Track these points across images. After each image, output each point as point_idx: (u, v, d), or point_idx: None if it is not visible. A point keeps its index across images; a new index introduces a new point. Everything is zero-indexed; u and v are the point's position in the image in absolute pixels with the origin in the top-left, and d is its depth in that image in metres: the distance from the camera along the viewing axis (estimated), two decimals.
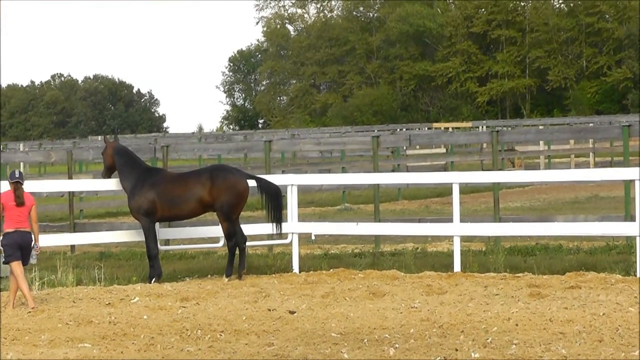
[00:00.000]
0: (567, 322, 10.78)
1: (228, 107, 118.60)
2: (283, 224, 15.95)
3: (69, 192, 21.31)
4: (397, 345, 9.87)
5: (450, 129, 62.06)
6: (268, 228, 15.97)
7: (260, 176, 15.99)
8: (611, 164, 38.67)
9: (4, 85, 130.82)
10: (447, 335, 10.30)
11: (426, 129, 65.96)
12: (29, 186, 15.03)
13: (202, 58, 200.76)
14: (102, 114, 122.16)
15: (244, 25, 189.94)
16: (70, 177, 21.46)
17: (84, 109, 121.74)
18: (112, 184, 16.25)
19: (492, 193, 19.61)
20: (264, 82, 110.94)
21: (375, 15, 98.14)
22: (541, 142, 40.11)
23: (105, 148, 16.01)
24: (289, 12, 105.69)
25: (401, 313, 11.62)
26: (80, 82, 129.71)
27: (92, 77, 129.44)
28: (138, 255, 18.68)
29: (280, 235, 16.17)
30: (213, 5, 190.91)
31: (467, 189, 30.08)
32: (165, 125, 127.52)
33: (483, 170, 32.88)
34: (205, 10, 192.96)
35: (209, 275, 16.03)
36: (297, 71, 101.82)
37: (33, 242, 13.02)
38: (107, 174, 16.10)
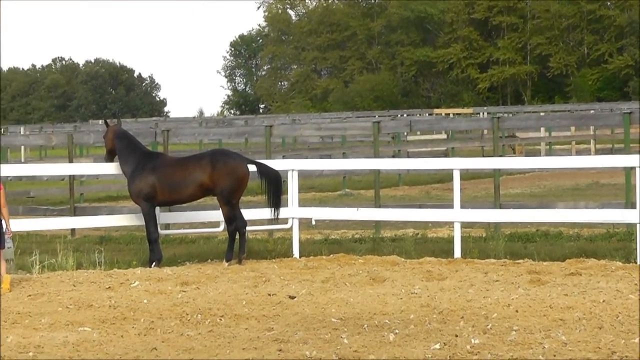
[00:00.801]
0: (567, 308, 10.74)
1: (229, 92, 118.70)
2: (283, 209, 15.92)
3: (70, 176, 21.30)
4: (397, 331, 9.84)
5: (451, 115, 61.99)
6: (268, 213, 15.92)
7: (260, 161, 15.97)
8: (612, 151, 38.72)
9: (4, 68, 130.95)
10: (447, 321, 10.27)
11: (427, 115, 65.94)
12: (29, 169, 15.09)
13: (203, 42, 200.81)
14: (102, 97, 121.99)
15: (245, 10, 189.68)
16: (70, 161, 21.44)
17: (85, 93, 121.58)
18: (112, 168, 16.18)
19: (493, 179, 19.59)
20: (265, 67, 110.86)
21: (377, 0, 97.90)
22: (542, 129, 40.17)
23: (107, 132, 15.98)
24: None
25: (401, 299, 11.58)
26: (81, 65, 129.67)
27: (93, 60, 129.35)
28: (138, 239, 18.62)
29: (280, 220, 16.12)
30: None
31: (468, 175, 29.92)
32: (166, 109, 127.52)
33: (484, 156, 32.81)
34: None
35: (209, 260, 15.99)
36: (298, 56, 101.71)
37: (5, 227, 13.10)
38: (110, 157, 15.98)
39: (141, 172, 15.24)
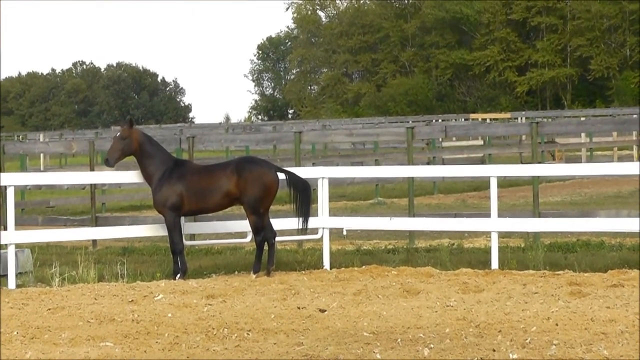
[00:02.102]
0: (609, 321, 10.56)
1: (256, 97, 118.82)
2: (313, 219, 15.74)
3: (91, 185, 21.17)
4: (431, 346, 9.69)
5: (488, 120, 61.53)
6: (298, 222, 15.70)
7: (290, 169, 15.68)
8: None
9: (24, 72, 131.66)
10: (484, 335, 10.12)
11: (463, 120, 65.54)
12: (49, 178, 15.03)
13: (230, 45, 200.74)
14: (125, 103, 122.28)
15: (273, 12, 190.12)
16: (92, 169, 21.32)
17: (107, 98, 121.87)
18: (135, 176, 15.90)
19: (532, 187, 19.31)
20: (294, 71, 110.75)
21: (410, 1, 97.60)
22: (583, 134, 39.74)
23: (127, 133, 15.20)
24: None
25: (436, 312, 11.43)
26: (102, 69, 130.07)
27: (115, 64, 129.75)
28: (162, 251, 18.57)
29: (310, 230, 15.94)
30: None
31: (506, 183, 29.89)
32: (191, 115, 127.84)
33: (522, 163, 32.51)
34: None
35: (236, 272, 15.86)
36: (328, 59, 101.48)
37: None
38: (118, 160, 15.31)
39: (168, 181, 14.95)
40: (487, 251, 15.83)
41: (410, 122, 57.09)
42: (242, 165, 15.07)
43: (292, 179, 15.36)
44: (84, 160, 38.64)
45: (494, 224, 15.32)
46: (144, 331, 10.69)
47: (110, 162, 15.19)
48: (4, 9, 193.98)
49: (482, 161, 35.23)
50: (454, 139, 44.25)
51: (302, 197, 15.30)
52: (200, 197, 14.94)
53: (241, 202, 15.07)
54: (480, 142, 41.54)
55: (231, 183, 14.88)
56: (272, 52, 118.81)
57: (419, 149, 35.88)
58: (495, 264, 15.10)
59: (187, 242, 16.16)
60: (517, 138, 42.66)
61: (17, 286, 14.55)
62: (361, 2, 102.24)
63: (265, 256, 15.14)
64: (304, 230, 15.59)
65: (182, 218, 15.43)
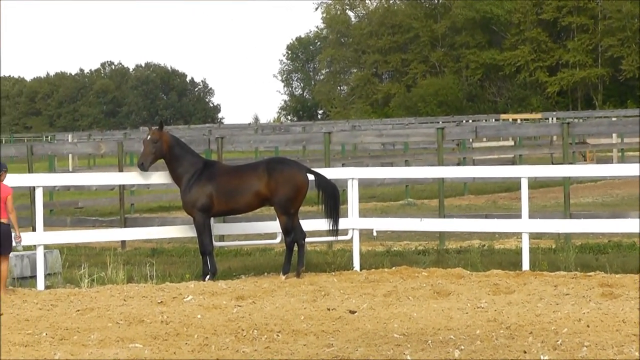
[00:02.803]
0: None
1: (286, 97, 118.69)
2: (343, 220, 15.68)
3: (120, 186, 21.15)
4: (462, 347, 9.64)
5: (518, 121, 61.19)
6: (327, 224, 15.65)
7: (319, 171, 15.60)
8: None
9: (52, 73, 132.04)
10: (515, 337, 10.05)
11: (493, 120, 65.19)
12: (77, 179, 15.13)
13: (259, 45, 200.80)
14: (154, 103, 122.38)
15: (302, 12, 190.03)
16: (120, 170, 21.34)
17: (135, 99, 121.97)
18: (164, 177, 15.88)
19: (563, 188, 19.18)
20: (323, 71, 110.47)
21: (440, 1, 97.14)
22: (614, 135, 39.45)
23: (157, 135, 15.19)
24: None
25: (467, 313, 11.38)
26: (131, 70, 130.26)
27: (143, 65, 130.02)
28: (191, 252, 18.55)
29: (340, 232, 15.82)
30: None
31: (536, 184, 29.66)
32: (219, 115, 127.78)
33: (553, 163, 32.28)
34: None
35: (266, 273, 15.85)
36: (358, 59, 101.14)
37: (14, 232, 13.70)
38: (150, 164, 15.27)
39: (197, 182, 14.92)
40: (518, 252, 15.78)
41: (441, 122, 56.88)
42: (273, 165, 15.06)
43: (322, 183, 15.28)
44: (112, 161, 38.72)
45: (525, 225, 15.24)
46: (173, 332, 10.66)
47: (144, 166, 15.23)
48: (33, 10, 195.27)
49: (512, 162, 35.05)
50: (484, 139, 44.02)
51: (331, 202, 15.22)
52: (230, 198, 14.92)
53: (271, 203, 15.04)
54: (511, 143, 41.29)
55: (262, 183, 14.85)
56: (301, 53, 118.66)
57: (449, 149, 35.79)
58: (526, 265, 15.02)
59: (216, 243, 16.12)
60: (548, 139, 42.40)
61: (46, 287, 14.60)
62: (391, 2, 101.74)
63: (294, 257, 15.10)
64: (334, 233, 15.53)
65: (212, 219, 15.41)
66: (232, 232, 17.16)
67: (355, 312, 11.65)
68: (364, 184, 23.39)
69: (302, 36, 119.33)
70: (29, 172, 21.32)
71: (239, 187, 14.89)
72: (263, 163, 15.29)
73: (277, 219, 15.19)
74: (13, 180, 16.04)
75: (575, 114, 70.50)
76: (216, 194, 14.92)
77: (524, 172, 15.53)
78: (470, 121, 63.67)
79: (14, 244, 13.77)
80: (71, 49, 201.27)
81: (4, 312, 11.97)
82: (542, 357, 9.13)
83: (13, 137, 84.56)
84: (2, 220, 13.63)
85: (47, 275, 15.00)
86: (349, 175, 16.26)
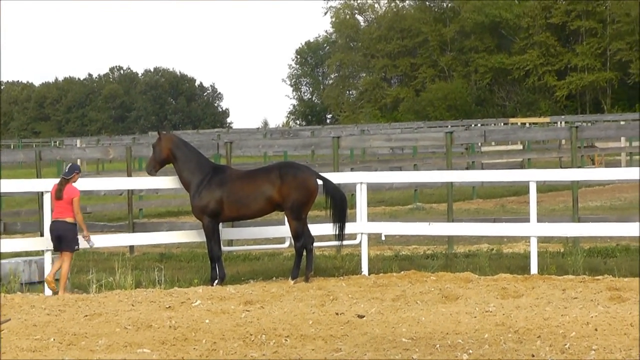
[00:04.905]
0: None
1: (295, 102, 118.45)
2: (352, 224, 15.72)
3: (128, 191, 21.14)
4: (470, 351, 9.63)
5: (527, 125, 61.09)
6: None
7: (328, 177, 15.57)
8: None
9: (60, 78, 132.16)
10: (523, 341, 10.04)
11: (502, 124, 65.09)
12: (85, 184, 15.23)
13: (268, 50, 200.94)
14: (162, 108, 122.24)
15: (311, 16, 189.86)
16: (129, 175, 21.33)
17: (144, 104, 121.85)
18: (173, 182, 15.91)
19: (571, 192, 19.16)
20: (332, 75, 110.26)
21: (449, 5, 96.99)
22: (622, 139, 39.33)
23: (160, 139, 15.30)
24: (358, 2, 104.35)
25: (475, 317, 11.35)
26: (140, 75, 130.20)
27: (152, 69, 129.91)
28: (200, 257, 18.52)
29: (349, 236, 15.88)
30: None
31: (545, 188, 29.65)
32: (228, 120, 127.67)
33: (561, 167, 32.23)
34: (271, 0, 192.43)
35: (274, 278, 15.86)
36: (367, 64, 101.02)
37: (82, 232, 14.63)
38: (158, 168, 15.42)
39: (207, 187, 14.90)
40: (527, 256, 15.76)
41: (449, 126, 56.81)
42: (286, 170, 15.01)
43: (330, 189, 15.25)
44: (121, 166, 38.73)
45: (533, 229, 15.23)
46: (182, 337, 10.64)
47: (149, 171, 15.49)
48: (41, 15, 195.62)
49: (521, 166, 35.00)
50: (493, 143, 43.98)
51: (338, 210, 15.19)
52: (242, 204, 14.88)
53: (282, 208, 15.01)
54: (520, 147, 41.26)
55: (274, 189, 14.82)
56: (310, 57, 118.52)
57: (458, 153, 35.68)
58: (534, 269, 15.02)
59: (225, 248, 16.12)
60: (556, 142, 42.32)
61: (54, 292, 14.60)
62: (400, 6, 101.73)
63: (303, 262, 15.09)
64: (340, 238, 15.51)
65: (220, 224, 15.41)
66: (240, 236, 17.17)
67: (364, 316, 11.62)
68: (372, 188, 23.42)
69: (311, 40, 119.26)
70: (38, 177, 21.34)
71: (251, 193, 14.85)
72: (275, 168, 15.20)
73: (288, 224, 15.16)
74: (21, 185, 16.10)
75: (583, 117, 70.35)
76: (227, 200, 14.88)
77: (533, 176, 15.53)
78: (479, 125, 63.52)
79: (86, 243, 14.66)
80: (80, 54, 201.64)
81: (12, 317, 11.98)
82: None
83: (21, 142, 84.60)
84: (67, 220, 14.42)
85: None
86: (357, 180, 16.26)
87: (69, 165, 14.81)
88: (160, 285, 14.98)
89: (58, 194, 14.43)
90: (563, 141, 39.56)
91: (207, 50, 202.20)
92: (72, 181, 14.55)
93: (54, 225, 14.48)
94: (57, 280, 14.45)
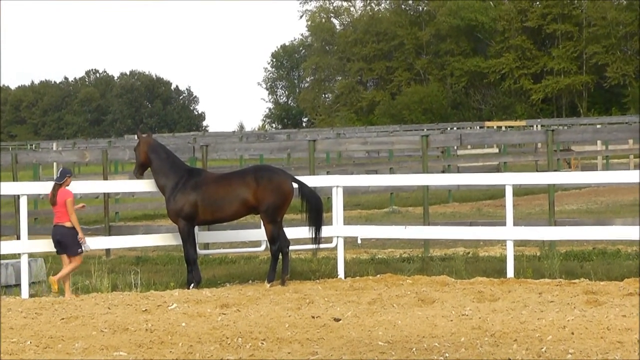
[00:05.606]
0: (625, 330, 10.47)
1: (270, 105, 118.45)
2: (328, 227, 15.70)
3: (104, 194, 21.14)
4: (447, 355, 9.63)
5: (503, 128, 61.30)
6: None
7: (304, 181, 15.56)
8: None
9: (37, 81, 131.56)
10: (500, 344, 10.03)
11: (478, 128, 65.23)
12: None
13: (243, 53, 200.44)
14: (138, 111, 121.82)
15: (287, 19, 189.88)
16: (105, 178, 21.31)
17: (120, 107, 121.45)
18: (149, 185, 15.88)
19: (547, 195, 19.19)
20: (308, 79, 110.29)
21: (425, 8, 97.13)
22: (599, 142, 39.49)
23: (139, 143, 15.43)
24: (334, 5, 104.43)
25: (451, 321, 11.34)
26: (116, 78, 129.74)
27: (128, 73, 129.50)
28: (176, 260, 18.50)
29: (325, 239, 15.86)
30: None
31: (521, 191, 29.66)
32: (204, 123, 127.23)
33: (538, 171, 32.31)
34: (247, 3, 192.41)
35: (250, 281, 15.84)
36: (342, 67, 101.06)
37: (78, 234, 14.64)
38: (141, 171, 15.54)
39: (183, 190, 14.88)
40: (503, 260, 15.77)
41: (425, 130, 56.87)
42: (261, 173, 15.01)
43: (307, 194, 15.25)
44: (97, 169, 38.49)
45: (510, 233, 15.25)
46: (158, 341, 10.62)
47: (135, 175, 15.69)
48: (17, 18, 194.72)
49: (497, 169, 35.04)
50: (469, 147, 44.07)
51: (314, 214, 15.19)
52: (217, 207, 14.87)
53: (258, 211, 15.01)
54: (496, 150, 41.33)
55: (249, 192, 14.80)
56: (286, 60, 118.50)
57: (434, 157, 35.75)
58: (510, 272, 15.02)
59: (201, 251, 16.10)
60: (532, 146, 42.42)
61: (31, 296, 14.56)
62: (375, 9, 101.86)
63: (279, 265, 15.07)
64: (317, 241, 15.51)
65: (196, 227, 15.38)
66: (216, 240, 17.12)
67: (340, 319, 11.61)
68: (348, 191, 23.42)
69: (287, 44, 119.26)
70: (14, 181, 21.22)
71: (226, 197, 14.85)
72: (251, 171, 15.19)
73: (264, 227, 15.13)
74: None
75: (559, 121, 70.60)
76: (202, 203, 14.87)
77: (509, 180, 15.52)
78: (455, 129, 63.67)
79: (82, 247, 14.63)
80: (56, 57, 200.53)
81: None
82: None
83: None
84: (66, 224, 14.55)
85: (32, 284, 14.95)
86: (333, 183, 16.23)
87: (60, 170, 14.92)
88: (136, 288, 14.93)
89: (52, 200, 14.55)
90: (539, 145, 39.66)
91: (182, 53, 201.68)
92: (65, 185, 14.64)
93: (54, 230, 14.62)
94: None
